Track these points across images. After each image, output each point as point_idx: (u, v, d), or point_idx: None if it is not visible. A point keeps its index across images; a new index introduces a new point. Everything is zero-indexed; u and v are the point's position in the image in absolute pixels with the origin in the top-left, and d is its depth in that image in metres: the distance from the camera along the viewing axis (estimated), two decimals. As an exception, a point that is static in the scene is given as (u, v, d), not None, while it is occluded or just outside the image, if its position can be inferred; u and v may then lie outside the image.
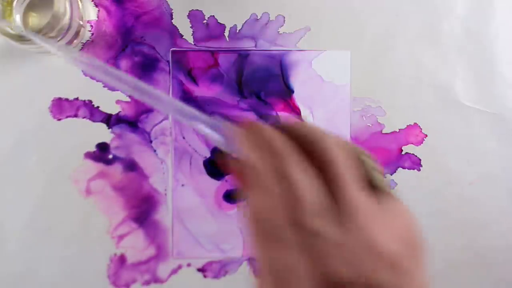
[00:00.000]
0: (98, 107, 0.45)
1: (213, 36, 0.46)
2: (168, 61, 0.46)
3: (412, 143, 0.47)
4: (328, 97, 0.47)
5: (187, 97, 0.46)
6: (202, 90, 0.46)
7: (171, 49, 0.46)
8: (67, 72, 0.45)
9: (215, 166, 0.46)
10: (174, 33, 0.46)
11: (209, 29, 0.46)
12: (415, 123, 0.47)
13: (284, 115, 0.47)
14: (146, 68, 0.45)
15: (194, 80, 0.46)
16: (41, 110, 0.45)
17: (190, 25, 0.46)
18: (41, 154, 0.45)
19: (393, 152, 0.47)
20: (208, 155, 0.46)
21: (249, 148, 0.23)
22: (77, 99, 0.45)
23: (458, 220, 0.47)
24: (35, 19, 0.43)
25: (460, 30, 0.47)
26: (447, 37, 0.47)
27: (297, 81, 0.46)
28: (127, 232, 0.46)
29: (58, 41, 0.41)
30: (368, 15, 0.47)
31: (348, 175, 0.22)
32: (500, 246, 0.47)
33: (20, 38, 0.39)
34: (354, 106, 0.47)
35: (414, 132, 0.47)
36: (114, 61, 0.45)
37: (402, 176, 0.47)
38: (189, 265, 0.46)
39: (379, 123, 0.47)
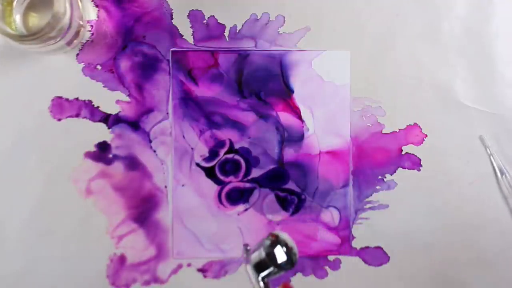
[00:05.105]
0: (98, 107, 0.45)
1: (213, 36, 0.46)
2: (168, 61, 0.46)
3: (412, 143, 0.47)
4: (328, 97, 0.47)
5: (187, 97, 0.46)
6: (202, 90, 0.46)
7: (171, 49, 0.46)
8: (67, 72, 0.45)
9: (213, 169, 0.46)
10: (174, 33, 0.46)
11: (209, 29, 0.46)
12: (415, 123, 0.47)
13: (284, 115, 0.47)
14: (146, 68, 0.45)
15: (194, 80, 0.46)
16: (41, 110, 0.45)
17: (190, 25, 0.46)
18: (41, 154, 0.45)
19: (393, 152, 0.47)
20: (207, 154, 0.46)
21: None
22: (77, 99, 0.45)
23: (458, 220, 0.47)
24: (35, 19, 0.43)
25: (460, 30, 0.47)
26: (447, 37, 0.47)
27: (297, 81, 0.46)
28: (127, 232, 0.46)
29: (58, 41, 0.41)
30: (368, 15, 0.47)
31: None
32: (500, 246, 0.47)
33: (20, 38, 0.39)
34: (354, 106, 0.47)
35: (414, 132, 0.47)
36: (113, 61, 0.45)
37: (402, 176, 0.47)
38: (189, 265, 0.46)
39: (379, 123, 0.47)
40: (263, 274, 0.34)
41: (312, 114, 0.47)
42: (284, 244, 0.34)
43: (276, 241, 0.34)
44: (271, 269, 0.34)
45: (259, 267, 0.35)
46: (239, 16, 0.46)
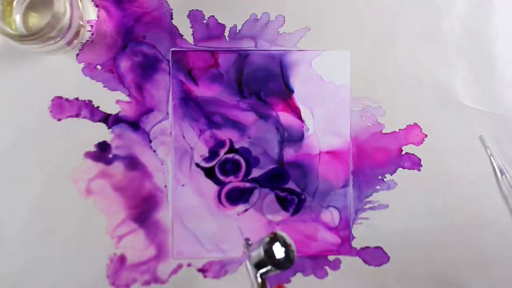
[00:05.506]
0: (98, 107, 0.45)
1: (213, 36, 0.46)
2: (168, 61, 0.46)
3: (412, 143, 0.47)
4: (328, 97, 0.47)
5: (187, 97, 0.46)
6: (202, 90, 0.46)
7: (171, 49, 0.46)
8: (67, 72, 0.45)
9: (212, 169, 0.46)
10: (174, 33, 0.46)
11: (209, 29, 0.46)
12: (415, 123, 0.47)
13: (284, 114, 0.47)
14: (146, 68, 0.45)
15: (194, 80, 0.46)
16: (41, 110, 0.45)
17: (190, 25, 0.46)
18: (41, 154, 0.45)
19: (393, 152, 0.47)
20: (207, 154, 0.46)
21: None
22: (77, 99, 0.45)
23: (458, 220, 0.47)
24: (35, 19, 0.43)
25: (460, 30, 0.47)
26: (447, 37, 0.47)
27: (297, 81, 0.46)
28: (127, 232, 0.46)
29: (58, 41, 0.41)
30: (368, 15, 0.47)
31: None
32: (500, 246, 0.47)
33: (20, 38, 0.39)
34: (354, 106, 0.47)
35: (414, 132, 0.47)
36: (113, 61, 0.45)
37: (402, 176, 0.47)
38: (189, 265, 0.46)
39: (379, 123, 0.47)
40: (261, 271, 0.35)
41: (312, 114, 0.47)
42: (283, 241, 0.35)
43: (274, 238, 0.35)
44: (269, 266, 0.35)
45: (258, 263, 0.35)
46: (239, 16, 0.46)
